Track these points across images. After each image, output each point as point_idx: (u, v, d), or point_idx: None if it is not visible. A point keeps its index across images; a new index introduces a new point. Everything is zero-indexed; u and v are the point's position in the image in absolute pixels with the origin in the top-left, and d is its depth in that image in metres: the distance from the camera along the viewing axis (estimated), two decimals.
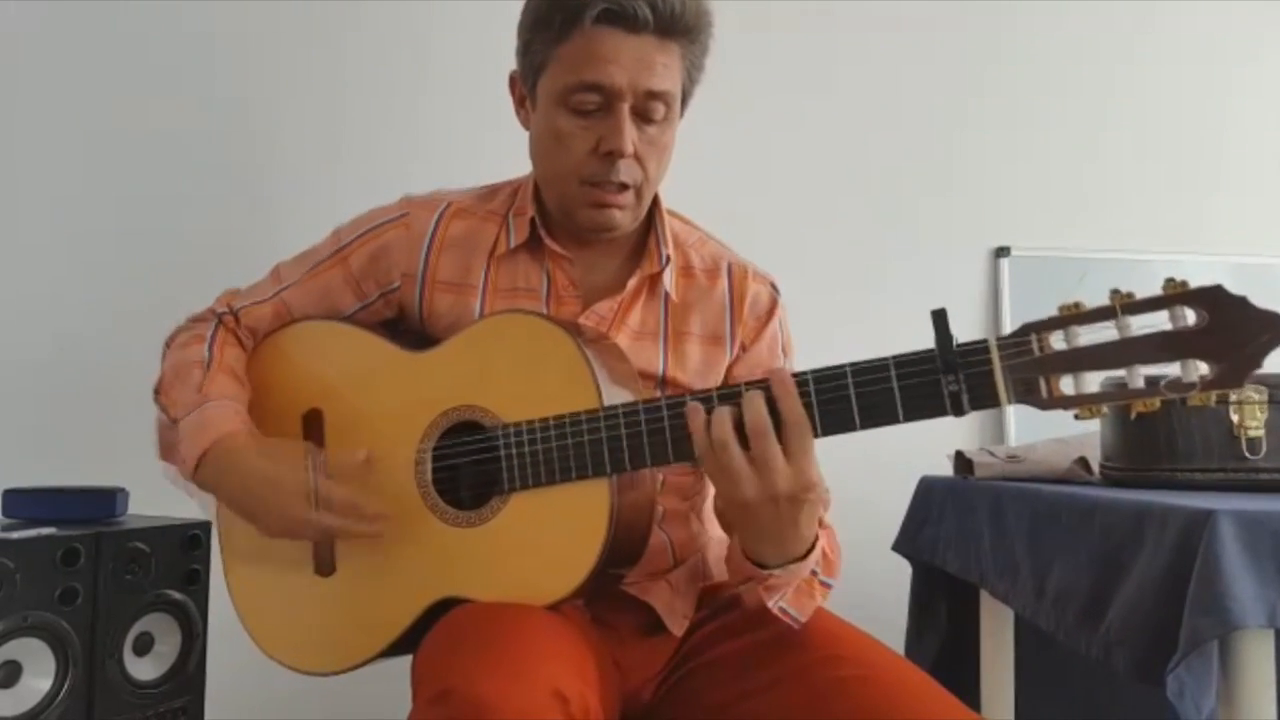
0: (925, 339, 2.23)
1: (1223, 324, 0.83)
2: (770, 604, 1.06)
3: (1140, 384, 0.85)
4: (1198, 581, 1.08)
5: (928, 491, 1.79)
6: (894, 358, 0.94)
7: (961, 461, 1.72)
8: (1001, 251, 2.28)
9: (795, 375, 0.97)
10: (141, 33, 1.84)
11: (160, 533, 1.37)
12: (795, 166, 2.15)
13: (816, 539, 1.04)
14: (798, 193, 2.15)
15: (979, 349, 0.91)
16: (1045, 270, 2.28)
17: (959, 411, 0.91)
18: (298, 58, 1.92)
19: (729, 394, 0.98)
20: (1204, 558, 1.08)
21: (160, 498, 1.46)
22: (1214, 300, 0.84)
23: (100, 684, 1.29)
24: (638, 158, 1.13)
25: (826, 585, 1.12)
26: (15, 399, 1.73)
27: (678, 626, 1.15)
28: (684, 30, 1.11)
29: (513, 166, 1.31)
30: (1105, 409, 0.87)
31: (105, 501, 1.42)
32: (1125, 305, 0.85)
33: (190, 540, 1.39)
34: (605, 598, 1.09)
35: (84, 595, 1.28)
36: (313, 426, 1.21)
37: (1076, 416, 0.89)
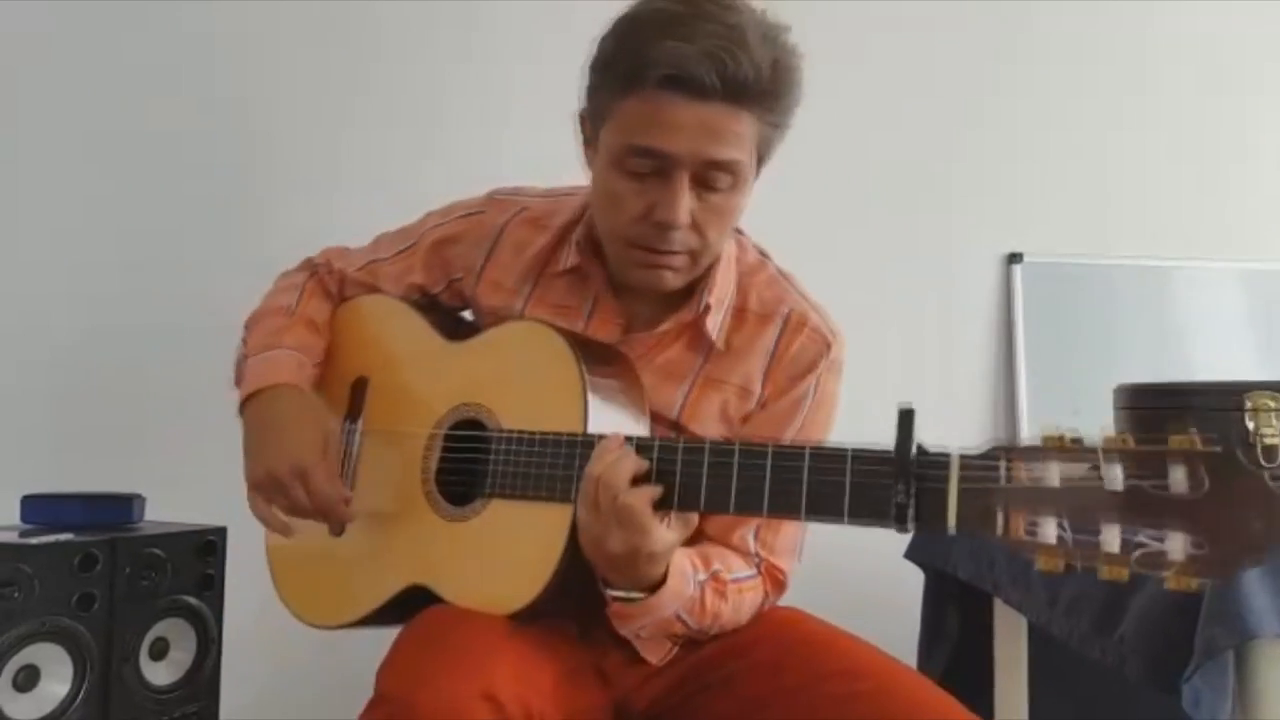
0: (940, 346, 2.23)
1: (1226, 499, 0.70)
2: (624, 632, 1.07)
3: (1114, 546, 0.73)
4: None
5: None
6: (852, 450, 0.86)
7: None
8: (1014, 258, 2.27)
9: (754, 445, 0.93)
10: (143, 32, 1.85)
11: (176, 539, 1.38)
12: (802, 171, 2.13)
13: (663, 582, 1.00)
14: (805, 198, 2.14)
15: (938, 461, 0.81)
16: (1058, 277, 2.27)
17: (903, 526, 0.82)
18: (301, 59, 1.93)
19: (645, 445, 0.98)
20: None
21: (176, 504, 1.48)
22: (1222, 469, 0.70)
23: (116, 689, 1.30)
24: (696, 225, 1.06)
25: (694, 630, 1.09)
26: (33, 404, 1.74)
27: (652, 655, 1.12)
28: (758, 95, 1.01)
29: (527, 169, 1.33)
30: (1063, 565, 0.75)
31: (122, 507, 1.43)
32: (1120, 452, 0.73)
33: (206, 546, 1.40)
34: (590, 612, 1.07)
35: (100, 600, 1.29)
36: (358, 393, 1.26)
37: (1035, 566, 0.76)
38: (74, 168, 1.80)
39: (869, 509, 0.84)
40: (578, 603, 1.05)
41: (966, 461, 0.80)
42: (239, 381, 1.25)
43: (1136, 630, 1.18)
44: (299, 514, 1.13)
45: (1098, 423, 0.87)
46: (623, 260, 1.12)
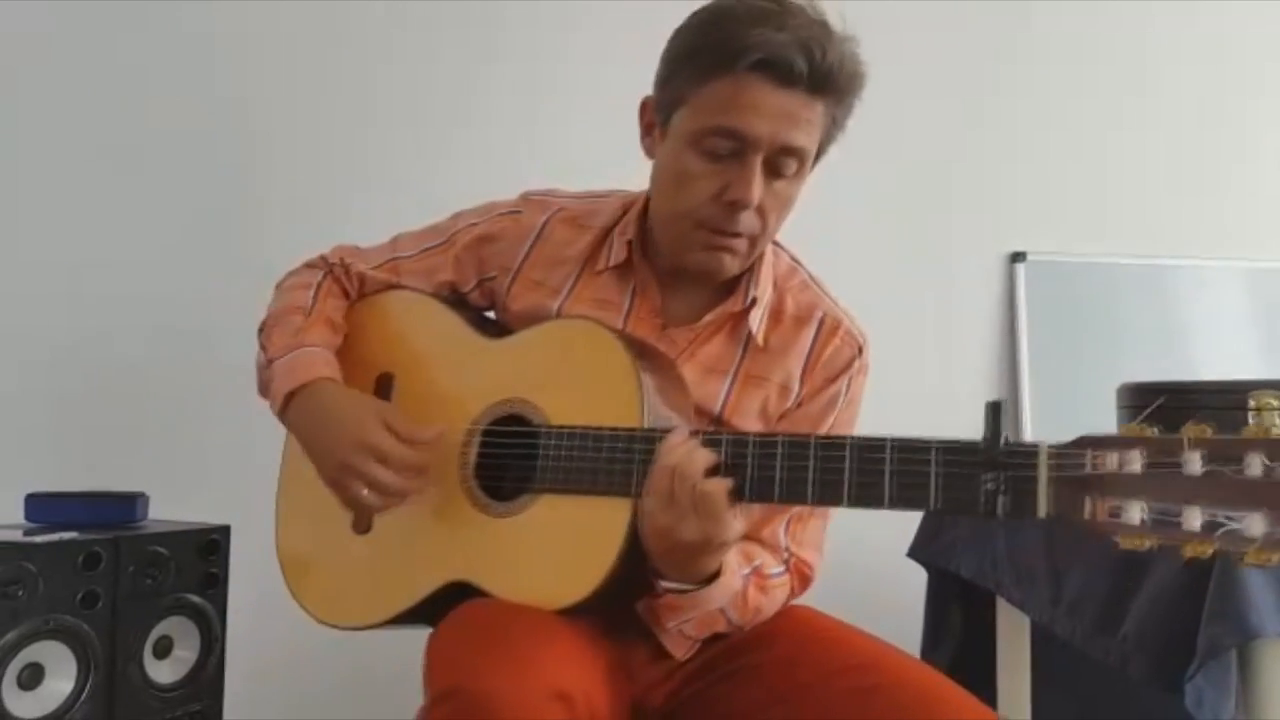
0: (942, 347, 2.23)
1: None
2: (670, 625, 1.08)
3: (1196, 527, 0.77)
4: (1216, 589, 1.07)
5: None
6: (937, 442, 0.89)
7: None
8: (1017, 257, 2.27)
9: (833, 439, 0.96)
10: (146, 32, 1.85)
11: (180, 537, 1.39)
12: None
13: (717, 574, 1.03)
14: (809, 198, 2.14)
15: (1027, 451, 0.85)
16: (1062, 276, 2.27)
17: (991, 514, 0.85)
18: (304, 59, 1.94)
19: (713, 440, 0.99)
20: (1222, 565, 1.07)
21: (180, 503, 1.48)
22: None
23: (120, 687, 1.30)
24: (760, 209, 1.10)
25: (735, 625, 1.12)
26: (36, 403, 1.75)
27: (679, 649, 1.13)
28: (835, 89, 1.08)
29: (541, 170, 1.33)
30: (1148, 545, 0.80)
31: (126, 506, 1.43)
32: (1197, 440, 0.78)
33: (209, 545, 1.41)
34: (619, 613, 1.09)
35: (104, 599, 1.29)
36: (383, 389, 1.24)
37: (1117, 545, 0.81)
38: (76, 167, 1.80)
39: (957, 499, 0.87)
40: (622, 598, 1.06)
41: (1054, 451, 0.84)
42: (265, 388, 1.22)
43: (1139, 629, 1.18)
44: (382, 490, 1.11)
45: (1098, 423, 0.89)
46: (686, 242, 1.14)
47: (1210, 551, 0.77)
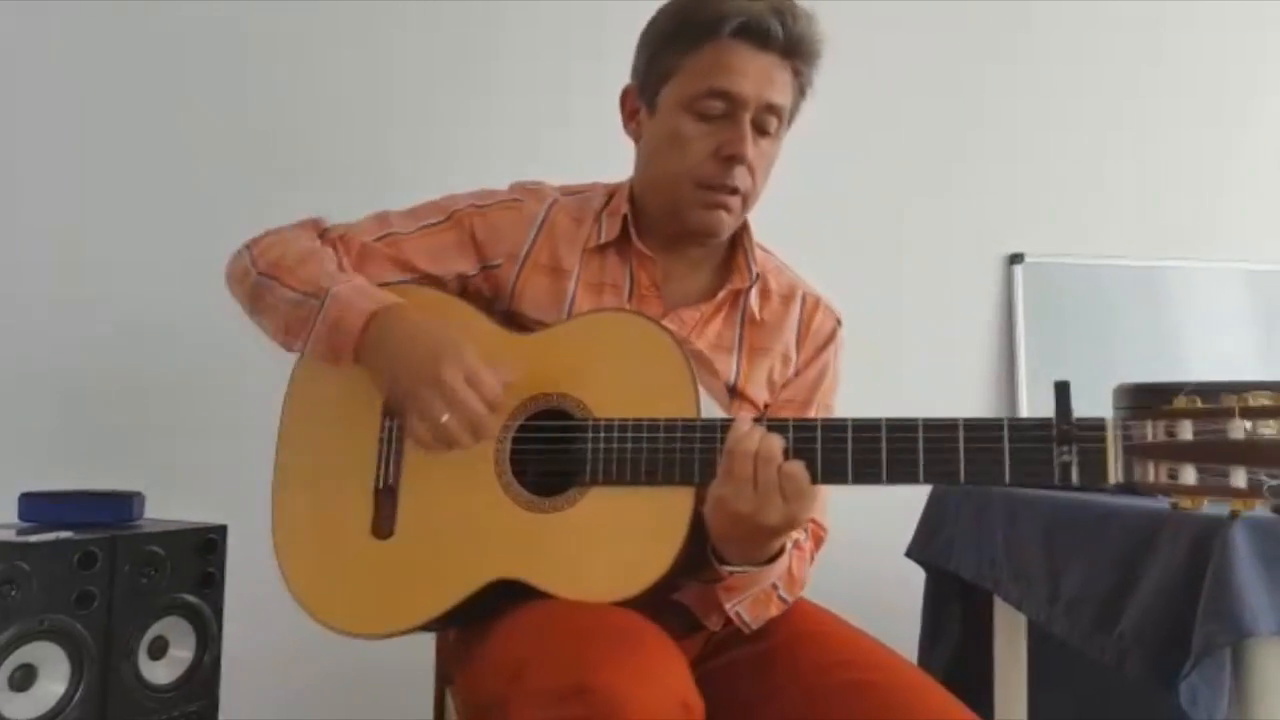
0: (940, 346, 2.24)
1: None
2: (727, 606, 1.11)
3: (1243, 484, 0.87)
4: (1211, 588, 1.07)
5: (942, 497, 1.79)
6: (1009, 419, 0.97)
7: None
8: (1015, 259, 2.28)
9: (900, 421, 1.00)
10: (148, 32, 1.86)
11: (176, 536, 1.38)
12: (805, 171, 2.14)
13: (782, 549, 1.08)
14: (806, 199, 2.14)
15: (1096, 425, 0.94)
16: (1060, 277, 2.27)
17: (1066, 482, 0.94)
18: (317, 57, 1.94)
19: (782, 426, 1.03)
20: (1217, 565, 1.07)
21: (176, 502, 1.48)
22: None
23: (115, 687, 1.30)
24: (749, 166, 1.18)
25: (784, 600, 1.16)
26: (32, 403, 1.75)
27: (715, 622, 1.16)
28: (803, 54, 1.18)
29: (558, 168, 1.34)
30: (1205, 502, 0.91)
31: (121, 505, 1.43)
32: (1242, 409, 0.89)
33: (206, 544, 1.40)
34: (644, 602, 1.08)
35: (100, 599, 1.29)
36: None
37: (1174, 505, 0.93)
38: (73, 168, 1.81)
39: (1030, 471, 0.95)
40: (670, 588, 1.08)
41: (1119, 423, 0.93)
42: (301, 324, 1.14)
43: (1136, 628, 1.18)
44: (462, 411, 1.06)
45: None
46: (685, 202, 1.19)
47: (1255, 505, 0.89)
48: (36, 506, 1.39)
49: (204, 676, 1.40)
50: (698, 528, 1.04)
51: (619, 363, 1.11)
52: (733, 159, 1.16)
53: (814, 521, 1.24)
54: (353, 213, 1.29)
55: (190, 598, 1.38)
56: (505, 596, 1.07)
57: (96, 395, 1.78)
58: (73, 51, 1.81)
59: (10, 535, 1.27)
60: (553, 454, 1.11)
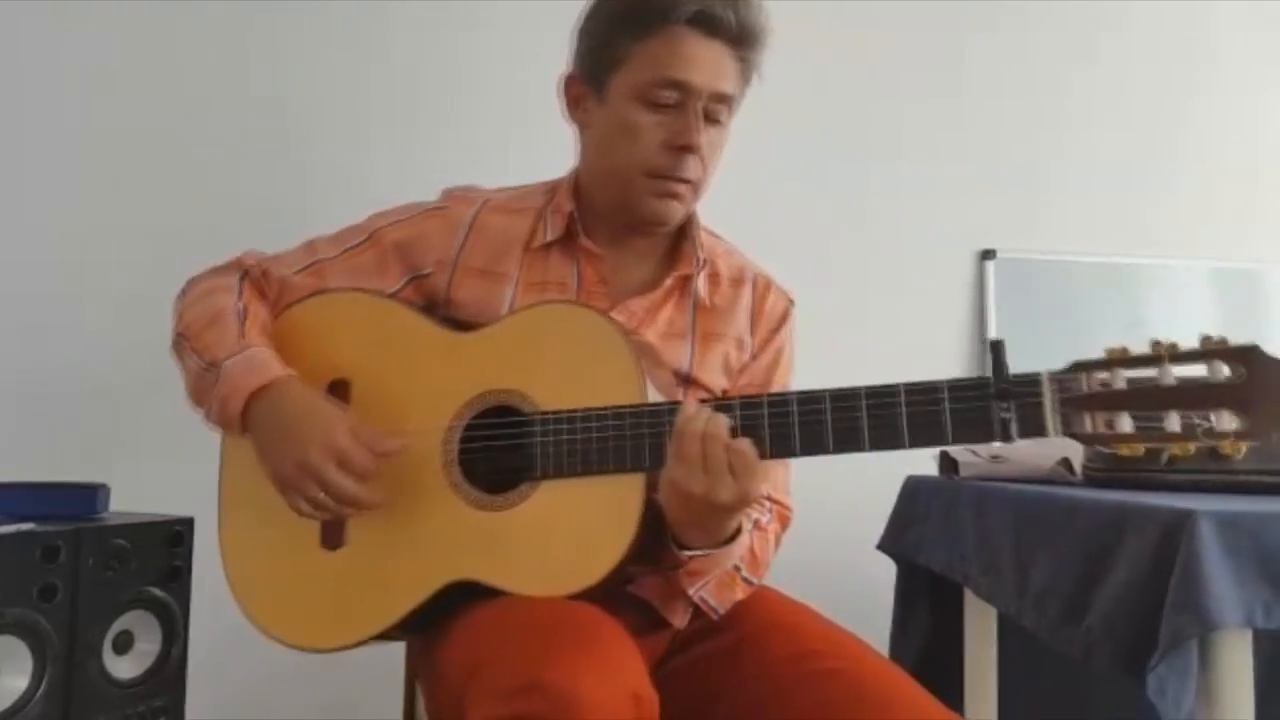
0: (914, 341, 2.26)
1: (1257, 381, 0.88)
2: (691, 591, 1.11)
3: (1176, 428, 0.90)
4: (1178, 581, 1.09)
5: (913, 491, 1.80)
6: (947, 381, 0.98)
7: (946, 461, 1.72)
8: (987, 254, 2.29)
9: (843, 390, 1.01)
10: (150, 32, 1.84)
11: (142, 529, 1.36)
12: (776, 168, 2.15)
13: (739, 529, 1.08)
14: (779, 195, 2.15)
15: (1032, 380, 0.95)
16: (1031, 273, 2.29)
17: (1006, 438, 0.95)
18: (318, 57, 1.93)
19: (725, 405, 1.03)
20: (1184, 558, 1.09)
21: (142, 494, 1.46)
22: (1251, 358, 0.89)
23: (79, 683, 1.28)
24: (700, 156, 1.18)
25: (749, 582, 1.17)
26: None
27: (680, 619, 1.16)
28: (752, 42, 1.18)
29: (539, 168, 1.32)
30: (1143, 449, 0.93)
31: (86, 497, 1.40)
32: (1170, 355, 0.91)
33: (173, 537, 1.38)
34: (604, 596, 1.09)
35: (63, 592, 1.26)
36: (337, 396, 1.19)
37: (1115, 454, 0.96)
38: (38, 165, 1.78)
39: (971, 429, 0.97)
40: (622, 575, 1.07)
41: (1054, 377, 0.94)
42: (203, 393, 1.18)
43: (1104, 620, 1.20)
44: (336, 495, 1.08)
45: None
46: (636, 192, 1.19)
47: (1192, 449, 0.91)
48: None
49: (170, 671, 1.38)
50: (651, 513, 1.04)
51: (563, 354, 1.11)
52: (685, 149, 1.16)
53: (777, 502, 1.25)
54: (341, 209, 1.28)
55: (156, 591, 1.36)
56: (463, 598, 1.07)
57: (60, 388, 1.75)
58: (78, 52, 1.79)
59: None
60: (502, 450, 1.10)
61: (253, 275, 1.25)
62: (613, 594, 1.10)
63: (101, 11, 1.80)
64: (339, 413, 1.12)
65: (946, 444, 0.99)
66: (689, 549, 1.07)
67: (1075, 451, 1.55)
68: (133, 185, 1.83)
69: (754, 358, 1.28)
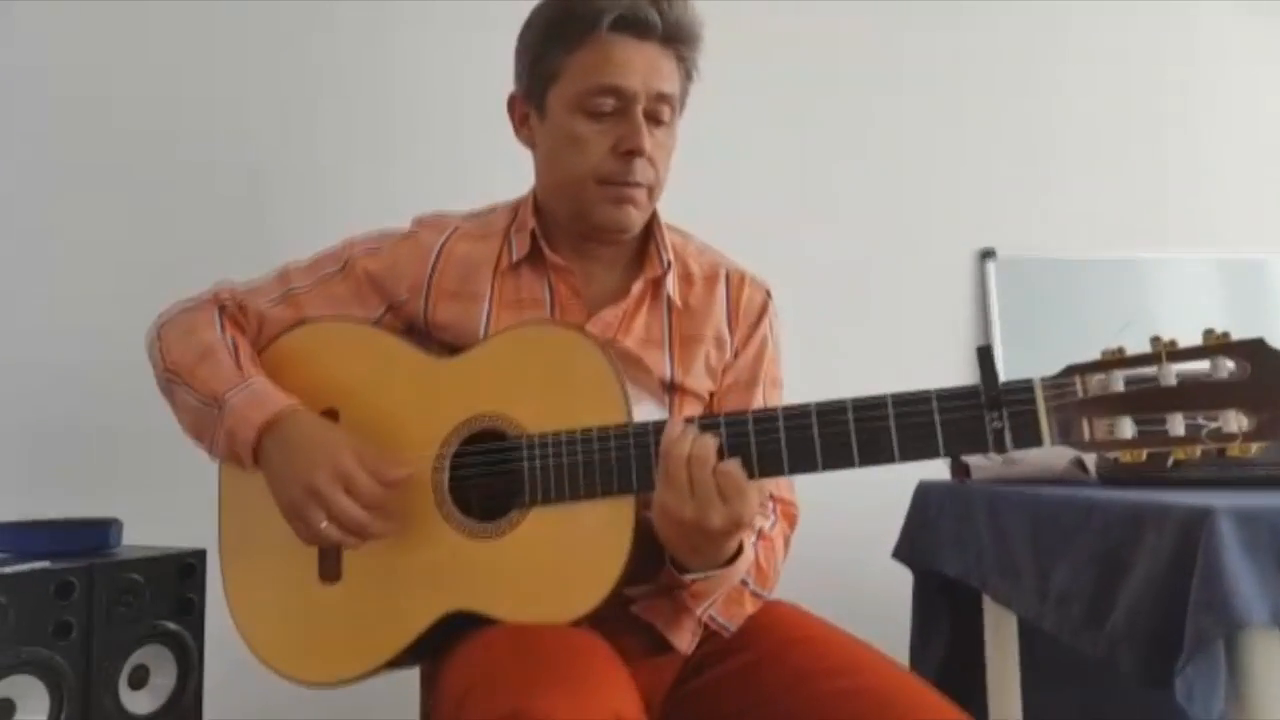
0: (915, 342, 2.25)
1: (1263, 377, 0.83)
2: (698, 611, 1.10)
3: (1180, 431, 0.85)
4: (1200, 580, 1.07)
5: (925, 496, 1.79)
6: (936, 391, 0.94)
7: (958, 465, 1.72)
8: (987, 254, 2.29)
9: (831, 403, 0.98)
10: (153, 33, 1.84)
11: (154, 563, 1.35)
12: (777, 169, 2.16)
13: (740, 547, 1.06)
14: (780, 196, 2.15)
15: (1024, 387, 0.91)
16: (1032, 272, 2.29)
17: (1000, 449, 0.91)
18: (309, 59, 1.93)
19: (712, 422, 1.01)
20: (1204, 555, 1.07)
21: (154, 528, 1.45)
22: (1255, 353, 0.84)
23: (96, 719, 1.27)
24: (649, 158, 1.17)
25: (758, 595, 1.15)
26: (6, 431, 1.71)
27: (685, 643, 1.14)
28: (684, 38, 1.17)
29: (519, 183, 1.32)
30: (1145, 454, 0.88)
31: (99, 533, 1.40)
32: (1169, 353, 0.86)
33: (185, 569, 1.38)
34: (609, 619, 1.08)
35: (78, 629, 1.26)
36: None
37: (1117, 460, 0.89)
38: (51, 195, 1.78)
39: (964, 440, 0.93)
40: (620, 597, 1.06)
41: (1047, 383, 0.90)
42: (204, 429, 1.18)
43: (1127, 621, 1.18)
44: (343, 523, 1.08)
45: None
46: (589, 201, 1.18)
47: (1198, 451, 0.85)
48: (11, 536, 1.36)
49: (187, 704, 1.37)
50: (643, 534, 1.03)
51: (545, 376, 1.10)
52: (631, 153, 1.15)
53: (781, 500, 1.23)
54: (342, 218, 1.28)
55: (170, 624, 1.35)
56: (462, 627, 1.06)
57: (71, 423, 1.74)
58: (83, 64, 1.80)
59: None
60: (491, 476, 1.10)
61: (229, 310, 1.25)
62: (616, 617, 1.10)
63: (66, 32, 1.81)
64: (345, 439, 1.12)
65: (939, 456, 0.94)
66: (689, 572, 1.05)
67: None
68: (140, 218, 1.82)
69: (736, 355, 1.27)
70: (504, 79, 1.25)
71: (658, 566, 1.08)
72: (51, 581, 1.25)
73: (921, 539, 1.76)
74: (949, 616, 1.75)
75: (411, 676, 1.34)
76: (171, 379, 1.21)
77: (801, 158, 2.17)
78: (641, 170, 1.16)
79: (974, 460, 1.68)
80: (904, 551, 1.80)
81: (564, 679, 0.92)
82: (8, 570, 1.23)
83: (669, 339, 1.22)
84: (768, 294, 1.31)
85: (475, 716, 0.91)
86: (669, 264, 1.23)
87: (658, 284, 1.24)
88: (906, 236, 2.25)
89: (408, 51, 1.99)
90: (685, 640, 1.14)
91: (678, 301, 1.24)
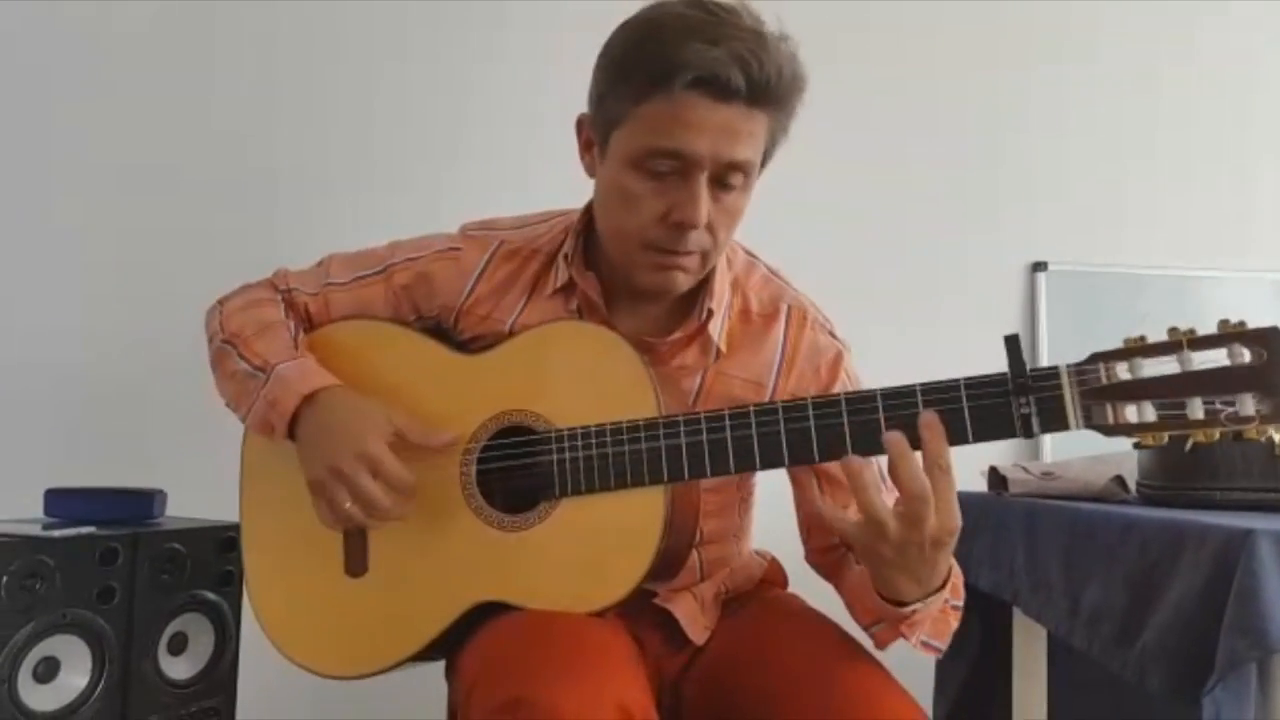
0: (964, 354, 2.22)
1: (1278, 362, 0.87)
2: (912, 640, 1.06)
3: (1199, 415, 0.89)
4: (1235, 602, 1.06)
5: (961, 507, 1.77)
6: (964, 379, 0.95)
7: (996, 478, 1.70)
8: (1039, 266, 2.26)
9: (861, 392, 0.98)
10: (150, 35, 1.88)
11: (196, 534, 1.39)
12: (828, 179, 2.14)
13: (951, 570, 1.03)
14: (831, 208, 2.14)
15: (1051, 374, 0.93)
16: (1083, 285, 2.26)
17: (1028, 434, 0.94)
18: (320, 61, 1.96)
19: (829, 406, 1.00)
20: (1242, 578, 1.06)
21: (197, 500, 1.49)
22: (1271, 340, 0.87)
23: (135, 682, 1.31)
24: (709, 226, 1.07)
25: (956, 609, 1.11)
26: (57, 401, 1.77)
27: (699, 636, 1.15)
28: (774, 99, 1.04)
29: (553, 195, 1.30)
30: (1166, 437, 0.91)
31: (143, 503, 1.45)
32: (1189, 341, 0.89)
33: (226, 542, 1.41)
34: (630, 608, 1.09)
35: (121, 594, 1.30)
36: None
37: (1137, 445, 0.91)
38: (95, 169, 1.83)
39: (992, 426, 0.95)
40: (650, 592, 1.06)
41: (1073, 369, 0.93)
42: (243, 397, 1.19)
43: (1158, 641, 1.17)
44: (365, 503, 1.07)
45: None
46: (634, 263, 1.11)
47: (1217, 434, 0.90)
48: (60, 503, 1.40)
49: (223, 672, 1.41)
50: (672, 526, 1.03)
51: (575, 370, 1.10)
52: (683, 225, 1.05)
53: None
54: (359, 217, 1.29)
55: (210, 594, 1.40)
56: (483, 618, 1.07)
57: (119, 395, 1.79)
58: (114, 58, 1.84)
59: (35, 530, 1.29)
60: (520, 470, 1.10)
61: (286, 299, 1.27)
62: (637, 608, 1.10)
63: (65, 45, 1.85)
64: (382, 415, 1.11)
65: (967, 442, 0.95)
66: (905, 603, 1.00)
67: (1129, 469, 1.52)
68: (185, 192, 1.87)
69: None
70: (512, 82, 1.21)
71: (681, 563, 1.08)
72: (97, 547, 1.29)
73: (955, 550, 1.74)
74: (978, 629, 1.73)
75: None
76: (225, 348, 1.21)
77: (848, 169, 2.16)
78: (694, 240, 1.07)
79: (1011, 474, 1.66)
80: None
81: (570, 667, 0.91)
82: (56, 534, 1.27)
83: (704, 373, 1.17)
84: (832, 334, 1.21)
85: (481, 704, 0.91)
86: (709, 314, 1.15)
87: (702, 330, 1.17)
88: (955, 249, 2.23)
89: (423, 56, 2.02)
90: (699, 633, 1.14)
91: (723, 348, 1.17)
